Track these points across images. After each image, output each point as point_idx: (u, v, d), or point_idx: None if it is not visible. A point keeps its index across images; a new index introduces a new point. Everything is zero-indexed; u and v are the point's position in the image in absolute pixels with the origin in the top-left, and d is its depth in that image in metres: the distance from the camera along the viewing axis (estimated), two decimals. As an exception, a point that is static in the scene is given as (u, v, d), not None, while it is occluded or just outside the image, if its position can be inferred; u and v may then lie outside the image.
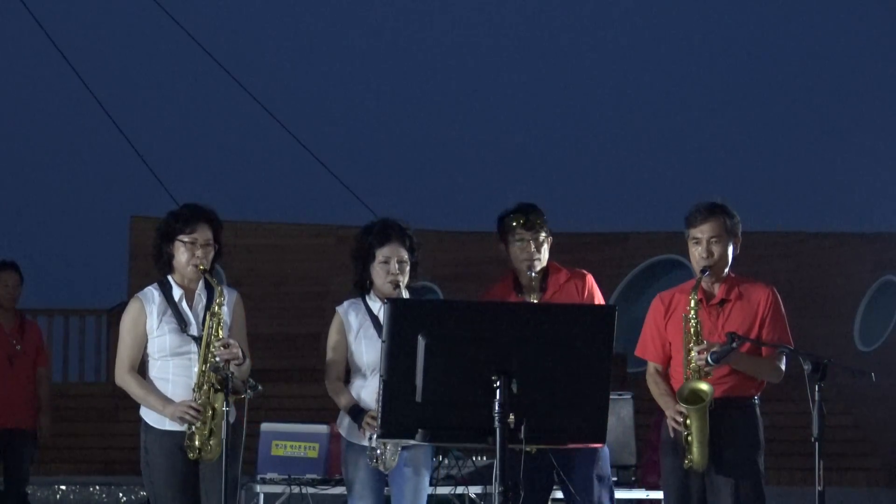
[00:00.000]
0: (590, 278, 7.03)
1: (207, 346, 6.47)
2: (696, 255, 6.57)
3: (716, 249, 6.53)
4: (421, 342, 4.86)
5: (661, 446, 6.68)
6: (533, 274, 6.84)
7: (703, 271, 6.52)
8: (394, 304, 5.04)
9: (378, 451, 6.57)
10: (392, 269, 6.73)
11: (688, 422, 6.39)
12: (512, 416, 4.87)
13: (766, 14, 25.41)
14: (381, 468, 6.61)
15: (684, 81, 25.46)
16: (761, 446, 6.55)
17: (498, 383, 4.86)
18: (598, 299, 7.04)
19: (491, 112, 25.66)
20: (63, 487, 14.47)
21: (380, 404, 4.95)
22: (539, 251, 6.89)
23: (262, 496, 8.31)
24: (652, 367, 6.71)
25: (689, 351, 6.44)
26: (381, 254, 6.76)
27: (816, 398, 6.00)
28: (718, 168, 23.96)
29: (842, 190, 22.53)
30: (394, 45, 26.00)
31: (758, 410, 6.57)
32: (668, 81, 25.56)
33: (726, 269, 6.60)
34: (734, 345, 6.29)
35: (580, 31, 26.20)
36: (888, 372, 13.82)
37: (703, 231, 6.55)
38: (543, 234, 6.91)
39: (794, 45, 25.01)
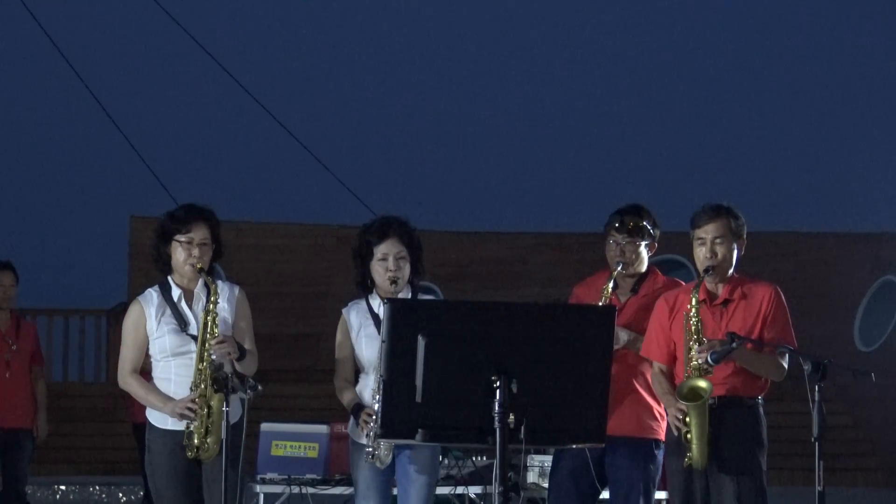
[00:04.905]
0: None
1: (203, 343, 6.47)
2: (700, 255, 6.59)
3: (719, 250, 6.56)
4: (421, 342, 4.85)
5: (666, 446, 6.70)
6: (615, 272, 6.87)
7: (705, 271, 6.55)
8: (393, 304, 5.03)
9: (371, 448, 6.57)
10: (390, 266, 6.73)
11: (687, 419, 6.41)
12: (512, 416, 4.87)
13: (765, 15, 25.40)
14: (377, 464, 6.61)
15: (685, 83, 25.47)
16: (764, 446, 6.56)
17: (498, 383, 4.85)
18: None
19: (491, 112, 25.66)
20: (63, 487, 14.48)
21: (380, 404, 4.94)
22: (625, 255, 6.92)
23: (261, 496, 8.30)
24: (657, 366, 6.73)
25: (690, 349, 6.46)
26: (379, 251, 6.76)
27: (816, 398, 6.00)
28: (719, 168, 23.98)
29: (842, 190, 22.53)
30: (394, 46, 26.00)
31: (761, 411, 6.58)
32: (669, 83, 25.56)
33: (730, 270, 6.62)
34: (734, 345, 6.30)
35: (578, 31, 26.20)
36: (888, 372, 13.82)
37: (707, 231, 6.58)
38: (639, 240, 6.95)
39: (795, 46, 25.01)
